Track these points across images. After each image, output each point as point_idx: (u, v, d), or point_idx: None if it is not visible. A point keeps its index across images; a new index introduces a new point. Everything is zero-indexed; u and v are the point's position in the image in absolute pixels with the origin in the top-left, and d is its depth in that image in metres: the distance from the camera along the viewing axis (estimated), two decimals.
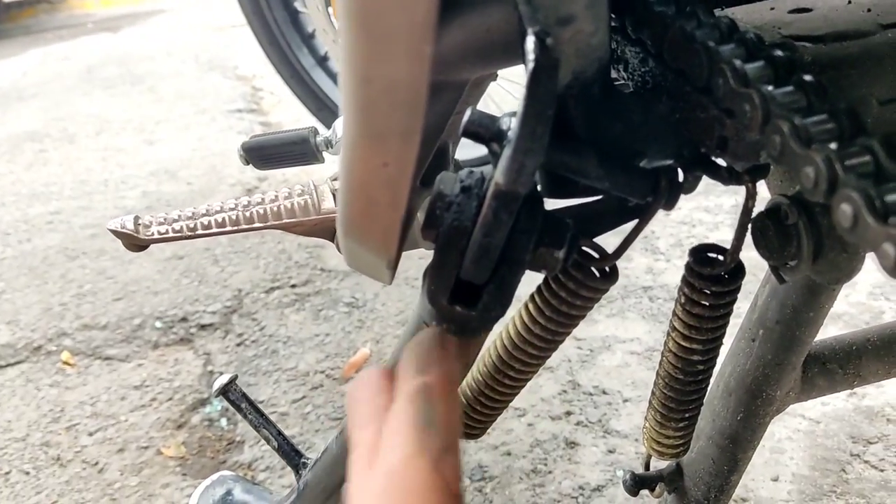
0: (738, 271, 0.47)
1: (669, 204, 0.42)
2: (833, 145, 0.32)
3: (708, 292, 0.47)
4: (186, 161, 2.35)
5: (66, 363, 1.48)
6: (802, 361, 0.57)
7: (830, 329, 1.33)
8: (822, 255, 0.42)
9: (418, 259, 1.55)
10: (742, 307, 0.58)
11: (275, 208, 0.58)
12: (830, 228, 0.42)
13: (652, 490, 0.66)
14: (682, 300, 0.49)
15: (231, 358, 1.45)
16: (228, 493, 0.75)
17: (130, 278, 1.74)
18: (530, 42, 0.34)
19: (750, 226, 0.45)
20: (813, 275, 0.43)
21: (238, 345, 1.49)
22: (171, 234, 0.57)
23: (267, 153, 0.82)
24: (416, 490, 0.32)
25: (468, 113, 0.38)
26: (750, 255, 0.45)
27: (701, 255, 0.47)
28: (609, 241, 0.44)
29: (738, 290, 0.48)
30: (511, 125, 0.36)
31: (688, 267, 0.48)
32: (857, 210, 0.30)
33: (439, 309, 0.40)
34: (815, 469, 1.09)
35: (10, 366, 1.48)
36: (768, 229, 0.44)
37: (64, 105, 2.96)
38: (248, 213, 0.58)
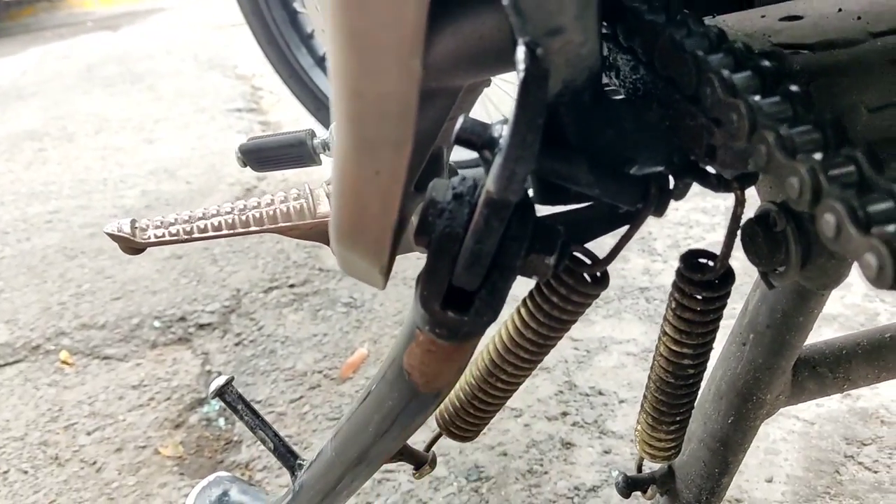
0: (728, 277, 0.47)
1: (659, 211, 0.42)
2: (818, 155, 0.32)
3: (698, 297, 0.48)
4: (186, 160, 2.35)
5: (64, 362, 1.49)
6: (792, 365, 0.58)
7: (825, 331, 1.34)
8: (811, 261, 0.43)
9: (416, 259, 1.56)
10: (735, 309, 0.59)
11: (271, 212, 0.59)
12: (818, 235, 0.43)
13: (644, 492, 0.66)
14: (673, 305, 0.49)
15: (229, 358, 1.46)
16: (225, 493, 0.76)
17: (129, 278, 1.74)
18: (520, 52, 0.34)
19: (739, 232, 0.45)
20: (802, 281, 0.44)
21: (236, 344, 1.50)
22: (167, 238, 0.57)
23: (264, 156, 0.83)
24: None
25: (461, 120, 0.39)
26: (742, 259, 0.45)
27: (691, 260, 0.48)
28: (607, 242, 0.45)
29: (728, 295, 0.48)
30: (503, 133, 0.37)
31: (678, 272, 0.48)
32: (840, 220, 0.30)
33: (432, 314, 0.41)
34: (809, 470, 1.09)
35: (9, 365, 1.49)
36: (757, 235, 0.44)
37: (63, 104, 2.96)
38: (244, 217, 0.58)
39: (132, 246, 0.57)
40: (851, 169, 0.32)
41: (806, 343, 0.58)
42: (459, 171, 0.54)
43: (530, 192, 0.44)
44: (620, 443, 1.17)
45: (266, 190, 2.11)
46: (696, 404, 0.56)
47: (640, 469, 0.67)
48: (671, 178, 0.44)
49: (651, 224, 1.75)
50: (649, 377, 0.54)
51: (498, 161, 0.35)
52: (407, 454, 0.61)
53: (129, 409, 1.35)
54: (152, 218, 0.58)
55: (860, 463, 1.10)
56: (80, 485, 1.19)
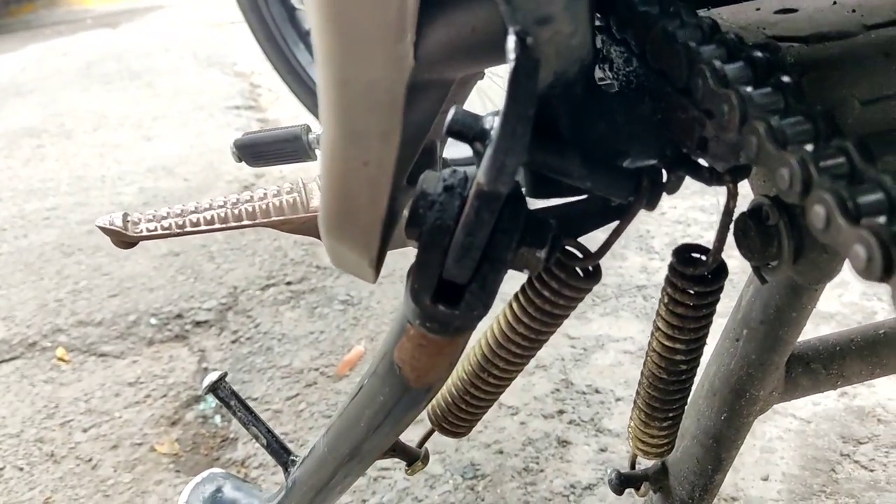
0: (721, 271, 0.47)
1: (651, 204, 0.42)
2: (808, 147, 0.32)
3: (691, 292, 0.48)
4: (184, 157, 2.35)
5: (60, 359, 1.48)
6: (786, 361, 0.58)
7: (823, 329, 1.34)
8: (803, 255, 0.43)
9: (414, 256, 1.55)
10: (728, 306, 0.59)
11: (263, 206, 0.59)
12: (810, 229, 0.42)
13: (637, 489, 0.66)
14: (666, 300, 0.49)
15: (226, 355, 1.46)
16: (218, 490, 0.75)
17: (126, 275, 1.74)
18: (511, 42, 0.34)
19: (732, 226, 0.45)
20: (794, 275, 0.44)
21: (233, 342, 1.49)
22: (159, 231, 0.57)
23: (259, 150, 0.83)
24: None
25: (452, 112, 0.39)
26: (738, 257, 0.45)
27: (684, 255, 0.48)
28: (601, 238, 0.44)
29: (720, 290, 0.48)
30: (494, 124, 0.37)
31: (671, 267, 0.48)
32: (830, 211, 0.30)
33: (422, 308, 0.41)
34: (806, 469, 1.09)
35: (5, 362, 1.49)
36: (750, 230, 0.44)
37: (62, 101, 2.96)
38: (236, 211, 0.58)
39: (124, 239, 0.57)
40: (842, 160, 0.31)
41: (799, 339, 0.58)
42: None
43: (522, 186, 0.44)
44: (617, 441, 1.16)
45: (264, 187, 2.11)
46: (689, 401, 0.55)
47: (633, 466, 0.66)
48: (664, 172, 0.43)
49: (649, 222, 1.75)
50: (642, 373, 0.54)
51: (488, 152, 0.35)
52: (399, 450, 0.60)
53: (126, 406, 1.35)
54: (144, 211, 0.58)
55: (856, 461, 1.09)
56: (76, 481, 1.19)
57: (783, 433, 1.15)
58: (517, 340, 0.48)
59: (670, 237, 1.68)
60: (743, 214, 0.45)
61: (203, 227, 0.58)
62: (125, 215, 0.57)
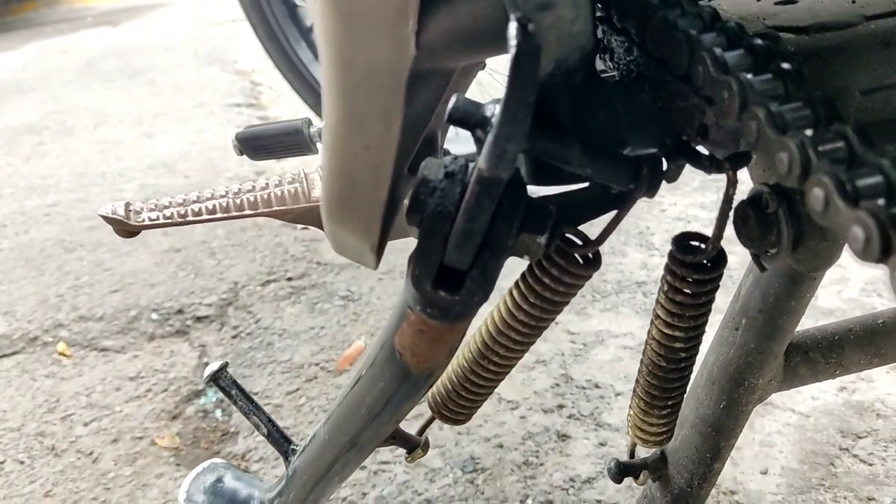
0: (720, 259, 0.47)
1: (651, 192, 0.43)
2: (808, 131, 0.33)
3: (690, 280, 0.48)
4: (184, 154, 2.35)
5: (61, 354, 1.49)
6: (785, 350, 0.58)
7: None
8: (802, 243, 0.43)
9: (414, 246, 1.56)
10: (726, 300, 0.59)
11: (265, 196, 0.59)
12: (810, 216, 0.43)
13: (636, 478, 0.66)
14: (665, 288, 0.49)
15: (226, 350, 1.46)
16: (219, 479, 0.76)
17: (127, 270, 1.74)
18: (512, 28, 0.34)
19: (732, 214, 0.45)
20: (793, 263, 0.44)
21: (233, 337, 1.50)
22: (161, 221, 0.57)
23: (260, 143, 0.83)
24: None
25: (453, 99, 0.39)
26: (740, 251, 0.45)
27: (683, 243, 0.48)
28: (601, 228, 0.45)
29: (720, 277, 0.48)
30: (495, 111, 0.37)
31: (670, 255, 0.48)
32: (829, 194, 0.30)
33: (423, 294, 0.41)
34: (805, 463, 1.09)
35: (6, 356, 1.49)
36: (749, 217, 0.44)
37: (63, 98, 2.96)
38: (238, 201, 0.58)
39: (126, 228, 0.57)
40: (841, 144, 0.32)
41: (798, 329, 0.58)
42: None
43: (522, 173, 0.44)
44: (616, 435, 1.17)
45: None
46: (688, 389, 0.56)
47: (632, 455, 0.67)
48: (664, 160, 0.44)
49: (649, 219, 1.75)
50: (641, 361, 0.54)
51: (489, 138, 0.35)
52: (399, 438, 0.61)
53: (126, 401, 1.35)
54: (147, 201, 0.59)
55: (855, 455, 1.10)
56: (77, 475, 1.19)
57: (782, 427, 1.16)
58: (517, 327, 0.48)
59: (670, 234, 1.69)
60: (742, 202, 0.45)
61: (205, 217, 0.58)
62: (127, 204, 0.58)
